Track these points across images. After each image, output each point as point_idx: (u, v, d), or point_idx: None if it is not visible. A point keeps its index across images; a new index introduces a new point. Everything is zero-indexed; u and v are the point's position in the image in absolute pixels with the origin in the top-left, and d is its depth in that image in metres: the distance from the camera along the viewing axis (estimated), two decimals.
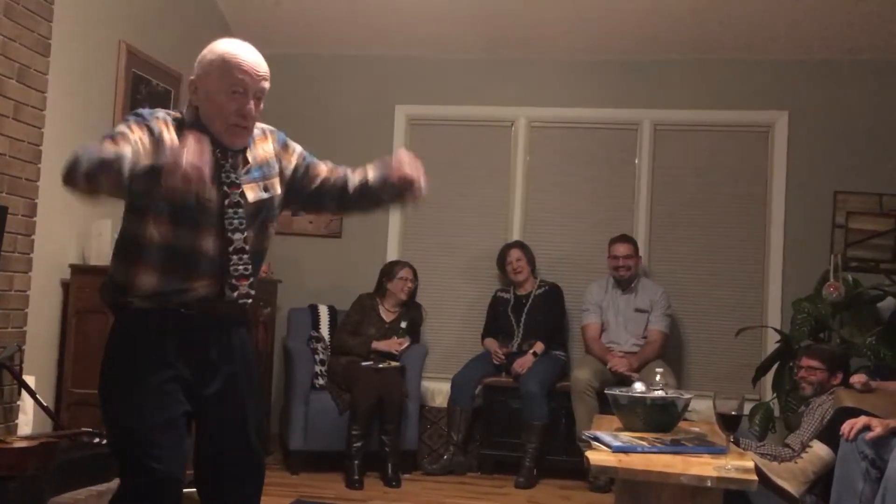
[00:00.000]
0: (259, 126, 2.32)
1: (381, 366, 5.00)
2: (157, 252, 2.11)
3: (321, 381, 5.12)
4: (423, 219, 5.84)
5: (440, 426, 5.36)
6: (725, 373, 5.33)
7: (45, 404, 3.73)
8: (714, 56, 5.52)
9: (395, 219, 5.85)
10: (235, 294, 2.18)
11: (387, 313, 5.29)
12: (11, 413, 3.71)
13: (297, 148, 2.46)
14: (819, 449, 3.46)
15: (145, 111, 2.15)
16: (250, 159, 2.25)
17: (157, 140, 2.07)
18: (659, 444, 2.79)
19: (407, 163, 2.42)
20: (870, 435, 3.20)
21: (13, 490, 3.01)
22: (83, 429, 3.64)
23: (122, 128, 2.07)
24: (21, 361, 3.70)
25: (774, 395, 4.93)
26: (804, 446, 3.57)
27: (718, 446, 2.81)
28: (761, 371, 5.00)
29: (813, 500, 3.50)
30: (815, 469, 3.44)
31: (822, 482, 3.44)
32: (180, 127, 2.14)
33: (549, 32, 5.48)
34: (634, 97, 5.61)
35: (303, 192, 2.43)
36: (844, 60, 5.37)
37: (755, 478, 2.52)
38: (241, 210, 2.18)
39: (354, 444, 4.75)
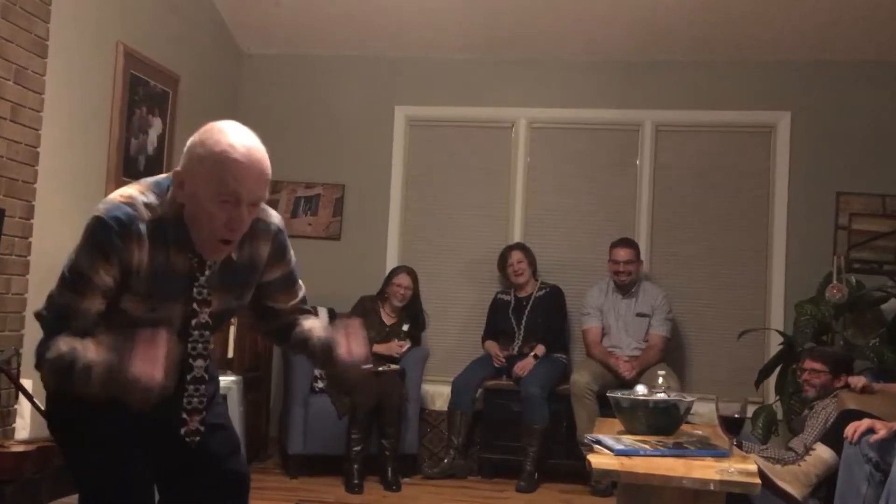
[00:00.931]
0: (269, 220, 2.06)
1: (381, 369, 4.98)
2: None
3: (320, 385, 5.10)
4: (423, 221, 5.82)
5: (440, 429, 5.33)
6: (728, 375, 5.30)
7: (42, 408, 3.70)
8: (716, 56, 5.50)
9: (394, 221, 5.83)
10: (183, 431, 2.00)
11: (388, 317, 5.27)
12: (9, 417, 3.69)
13: (291, 261, 2.16)
14: (822, 452, 3.45)
15: (113, 227, 1.83)
16: (234, 257, 1.98)
17: (128, 271, 1.85)
18: (661, 448, 2.77)
19: (351, 344, 2.06)
20: (873, 437, 3.20)
21: (10, 494, 3.00)
22: None
23: (83, 266, 1.85)
24: (18, 365, 3.67)
25: (777, 397, 4.91)
26: (808, 449, 3.55)
27: (721, 449, 2.79)
28: (764, 374, 4.98)
29: (816, 503, 3.48)
30: (819, 472, 3.42)
31: (825, 485, 3.43)
32: (157, 229, 1.87)
33: (550, 33, 5.47)
34: (636, 98, 5.59)
35: (255, 298, 2.13)
36: (847, 61, 5.35)
37: (758, 481, 2.50)
38: (207, 332, 1.99)
39: (354, 448, 4.73)
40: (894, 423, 3.24)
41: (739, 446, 3.28)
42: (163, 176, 1.98)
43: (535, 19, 5.36)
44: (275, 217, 2.10)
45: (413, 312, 5.31)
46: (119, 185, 4.53)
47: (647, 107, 5.58)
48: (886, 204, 5.28)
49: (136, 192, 1.90)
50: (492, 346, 5.38)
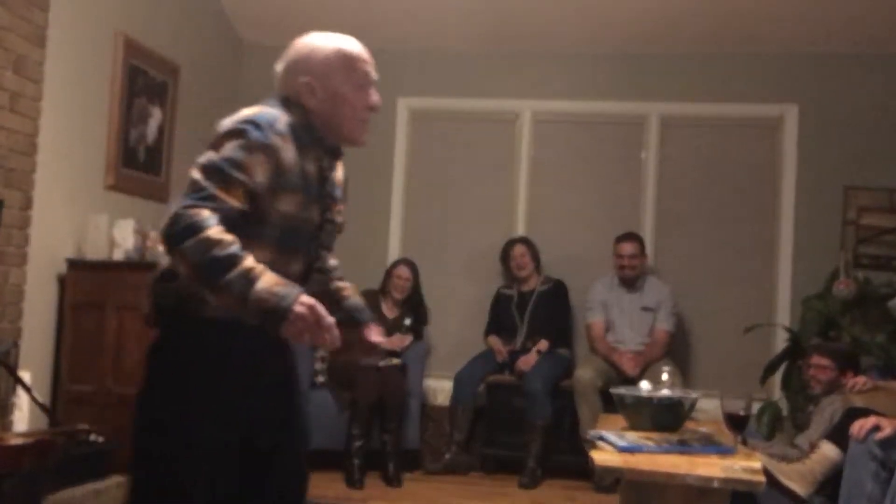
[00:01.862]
0: None
1: (382, 364, 4.95)
2: None
3: (321, 379, 5.08)
4: (426, 214, 5.79)
5: (442, 425, 5.31)
6: (733, 371, 5.26)
7: (40, 400, 3.68)
8: (722, 49, 5.45)
9: (396, 214, 5.80)
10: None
11: (389, 311, 5.24)
12: (7, 409, 3.67)
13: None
14: (827, 449, 3.43)
15: (264, 123, 1.88)
16: (339, 175, 2.12)
17: (281, 168, 1.87)
18: (665, 444, 2.76)
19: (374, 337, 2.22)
20: (879, 435, 3.18)
21: (9, 488, 2.99)
22: (79, 425, 3.60)
23: (239, 158, 1.83)
24: (16, 357, 3.66)
25: (783, 394, 4.87)
26: (813, 446, 3.53)
27: (726, 446, 2.78)
28: (770, 370, 4.93)
29: (821, 501, 3.46)
30: (824, 470, 3.40)
31: (830, 483, 3.40)
32: (293, 131, 1.94)
33: (555, 25, 5.43)
34: (641, 91, 5.55)
35: None
36: (855, 53, 5.30)
37: (763, 478, 2.48)
38: (331, 227, 2.09)
39: (355, 443, 4.71)
40: None
41: (744, 443, 3.25)
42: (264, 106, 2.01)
43: (540, 11, 5.32)
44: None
45: (415, 306, 5.28)
46: (118, 175, 4.55)
47: (652, 100, 5.55)
48: (895, 199, 5.24)
49: (259, 106, 1.98)
50: (494, 340, 5.35)
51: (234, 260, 1.70)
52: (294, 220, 1.93)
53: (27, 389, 3.61)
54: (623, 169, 5.60)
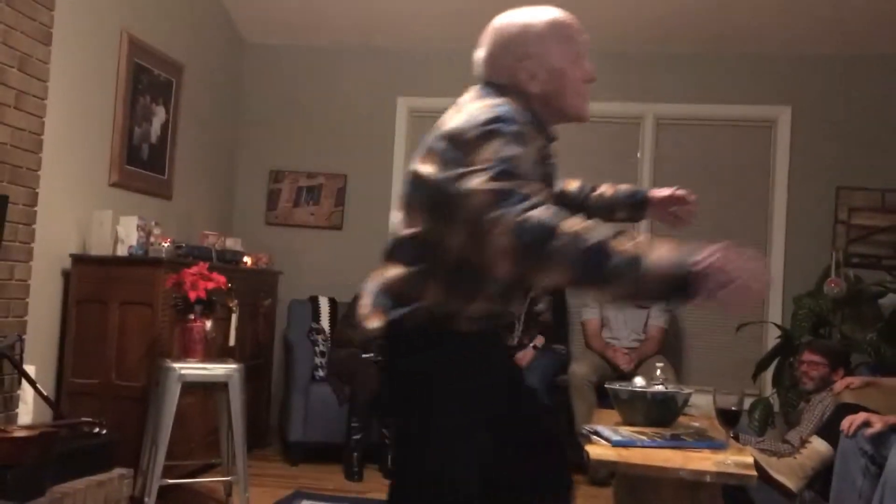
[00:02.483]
0: None
1: (381, 358, 4.99)
2: (498, 284, 1.74)
3: (321, 373, 5.12)
4: None
5: None
6: (725, 368, 5.32)
7: (45, 394, 3.73)
8: (717, 50, 5.50)
9: (396, 211, 5.83)
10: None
11: None
12: (11, 402, 3.71)
13: None
14: (818, 445, 3.46)
15: (508, 116, 1.72)
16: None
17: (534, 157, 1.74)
18: (658, 439, 2.78)
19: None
20: (869, 431, 3.21)
21: (13, 479, 3.01)
22: (83, 418, 3.64)
23: (512, 154, 1.64)
24: (21, 351, 3.69)
25: (774, 390, 4.93)
26: (804, 442, 3.57)
27: (718, 441, 2.80)
28: (761, 366, 4.99)
29: (812, 496, 3.50)
30: (815, 465, 3.44)
31: (821, 478, 3.44)
32: (532, 125, 1.82)
33: None
34: (637, 91, 5.60)
35: None
36: (848, 55, 5.36)
37: (754, 473, 2.51)
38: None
39: (354, 436, 4.76)
40: (890, 416, 3.26)
41: (736, 438, 3.30)
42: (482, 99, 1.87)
43: None
44: None
45: None
46: (122, 172, 4.59)
47: (648, 100, 5.59)
48: (886, 199, 5.30)
49: (480, 101, 1.84)
50: None
51: (606, 245, 1.52)
52: None
53: (32, 383, 3.65)
54: (618, 168, 5.64)
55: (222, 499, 4.10)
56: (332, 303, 5.49)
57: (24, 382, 3.67)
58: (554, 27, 1.88)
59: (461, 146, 1.69)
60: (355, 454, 4.72)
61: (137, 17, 4.65)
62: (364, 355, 5.02)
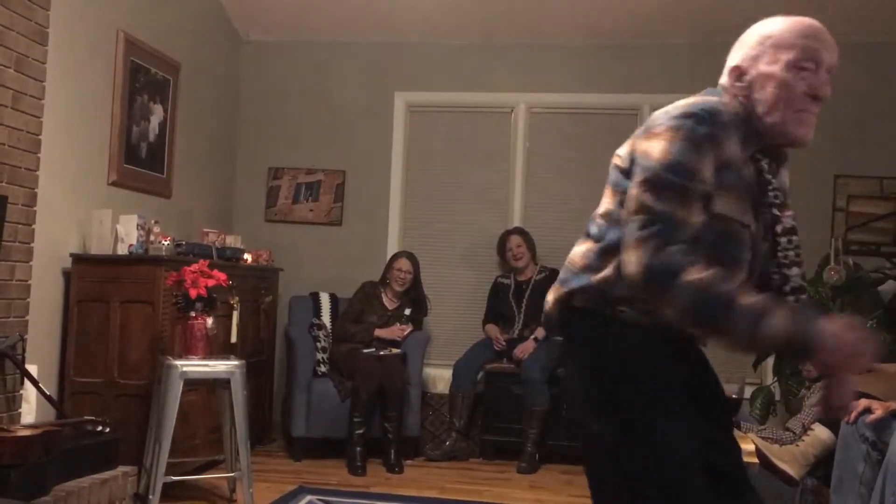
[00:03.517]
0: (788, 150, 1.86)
1: (382, 353, 5.01)
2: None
3: (323, 369, 5.13)
4: (424, 206, 5.84)
5: (442, 412, 5.37)
6: (726, 356, 5.30)
7: (47, 393, 3.74)
8: (714, 39, 5.48)
9: (395, 207, 5.85)
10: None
11: (389, 301, 5.30)
12: (14, 402, 3.72)
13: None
14: (820, 432, 3.47)
15: (708, 118, 1.68)
16: (785, 181, 1.85)
17: (724, 165, 1.68)
18: None
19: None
20: (870, 417, 3.20)
21: (16, 478, 3.02)
22: (86, 417, 3.65)
23: (687, 161, 1.63)
24: (23, 350, 3.70)
25: (775, 378, 4.93)
26: (805, 429, 3.57)
27: None
28: (762, 355, 4.99)
29: (814, 483, 3.51)
30: (816, 452, 3.45)
31: (823, 465, 3.45)
32: (734, 124, 1.73)
33: (549, 17, 5.47)
34: (635, 82, 5.60)
35: None
36: (846, 43, 5.28)
37: (755, 460, 2.53)
38: (795, 238, 1.79)
39: (356, 431, 4.77)
40: (891, 402, 3.26)
41: (737, 427, 3.31)
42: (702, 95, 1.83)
43: (534, 4, 5.36)
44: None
45: (415, 297, 5.34)
46: (121, 171, 4.60)
47: (645, 91, 5.59)
48: (884, 186, 5.30)
49: (698, 96, 1.79)
50: (492, 329, 5.41)
51: (728, 296, 1.55)
52: (731, 223, 1.71)
53: (34, 382, 3.66)
54: None
55: (226, 495, 4.12)
56: (333, 298, 5.50)
57: (27, 382, 3.68)
58: (789, 28, 1.79)
59: (647, 133, 1.72)
60: (358, 449, 4.73)
61: (133, 16, 4.65)
62: (365, 350, 5.03)
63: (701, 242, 1.65)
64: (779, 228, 1.77)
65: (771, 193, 1.76)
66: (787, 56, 1.74)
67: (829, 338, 1.52)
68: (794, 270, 1.78)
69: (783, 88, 1.73)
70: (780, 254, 1.77)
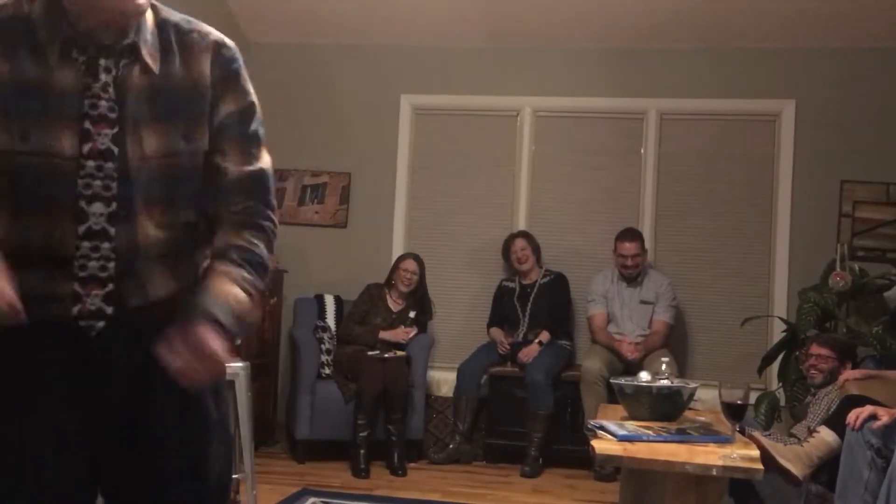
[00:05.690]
0: (204, 30, 1.61)
1: (386, 355, 5.01)
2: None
3: (327, 371, 5.14)
4: (429, 209, 5.85)
5: (446, 415, 5.37)
6: (731, 362, 5.33)
7: None
8: (721, 44, 5.50)
9: (400, 209, 5.86)
10: (76, 310, 1.39)
11: (394, 303, 5.30)
12: None
13: (249, 96, 1.61)
14: (826, 434, 3.45)
15: None
16: (156, 70, 1.45)
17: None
18: (664, 434, 2.80)
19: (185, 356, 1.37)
20: (876, 424, 3.19)
21: None
22: None
23: None
24: None
25: (780, 384, 4.93)
26: (811, 432, 3.56)
27: (724, 435, 2.81)
28: (767, 360, 4.99)
29: (818, 488, 3.49)
30: (821, 454, 3.43)
31: (827, 471, 3.44)
32: (13, 27, 1.39)
33: (555, 21, 5.47)
34: (640, 86, 5.59)
35: (207, 157, 1.54)
36: (852, 49, 5.34)
37: (760, 466, 2.52)
38: (110, 165, 1.40)
39: (360, 434, 4.77)
40: None
41: (742, 432, 3.30)
42: None
43: (540, 8, 5.36)
44: (216, 33, 1.62)
45: (420, 300, 5.34)
46: None
47: (651, 95, 5.59)
48: (890, 192, 5.29)
49: None
50: (497, 332, 5.41)
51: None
52: (11, 159, 1.36)
53: None
54: (622, 163, 5.65)
55: (230, 496, 4.11)
56: (338, 300, 5.51)
57: None
58: None
59: None
60: (362, 451, 4.73)
61: None
62: (369, 353, 5.04)
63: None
64: (86, 149, 1.39)
65: (86, 103, 1.39)
66: None
67: None
68: (97, 207, 1.39)
69: None
70: (80, 181, 1.38)
